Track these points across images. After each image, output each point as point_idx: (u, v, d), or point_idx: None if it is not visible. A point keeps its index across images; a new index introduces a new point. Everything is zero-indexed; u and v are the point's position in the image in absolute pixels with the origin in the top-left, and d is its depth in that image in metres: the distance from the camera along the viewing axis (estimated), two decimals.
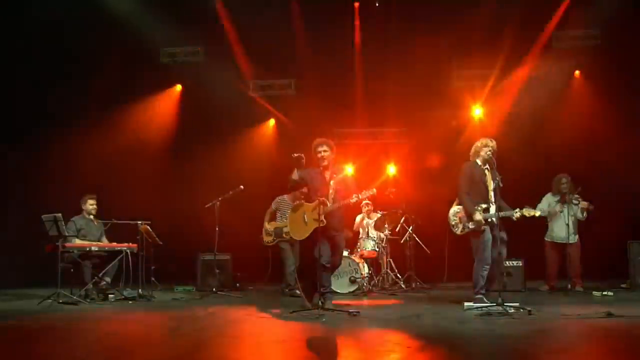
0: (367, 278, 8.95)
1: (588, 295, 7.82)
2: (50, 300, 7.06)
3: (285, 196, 8.90)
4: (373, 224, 9.52)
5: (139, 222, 8.01)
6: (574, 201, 8.32)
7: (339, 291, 8.71)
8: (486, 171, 6.84)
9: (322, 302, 6.22)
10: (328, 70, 12.07)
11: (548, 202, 8.66)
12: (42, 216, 7.25)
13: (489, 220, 6.62)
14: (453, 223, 7.03)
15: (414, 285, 9.34)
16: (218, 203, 8.62)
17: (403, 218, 9.64)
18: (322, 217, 6.37)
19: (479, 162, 6.90)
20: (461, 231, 6.93)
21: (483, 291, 6.68)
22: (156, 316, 6.47)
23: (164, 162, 11.70)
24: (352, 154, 12.25)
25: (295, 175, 6.74)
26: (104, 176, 10.55)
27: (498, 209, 6.67)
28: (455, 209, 7.03)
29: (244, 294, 8.71)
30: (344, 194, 6.62)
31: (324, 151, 6.67)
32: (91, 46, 10.88)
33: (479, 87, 11.84)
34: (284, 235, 8.62)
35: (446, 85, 11.89)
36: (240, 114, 12.13)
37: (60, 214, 7.25)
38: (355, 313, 6.04)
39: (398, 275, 9.46)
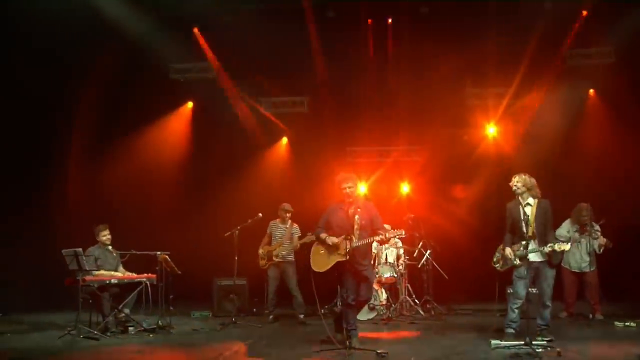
0: (385, 304, 8.93)
1: (610, 325, 7.74)
2: (70, 335, 7.02)
3: (277, 220, 9.12)
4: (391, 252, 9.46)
5: (158, 252, 7.94)
6: (594, 234, 8.26)
7: (358, 318, 8.67)
8: (527, 207, 6.75)
9: (348, 342, 6.17)
10: (341, 88, 12.08)
11: (567, 228, 8.59)
12: (63, 251, 7.18)
13: (524, 257, 6.59)
14: (495, 259, 7.15)
15: (432, 312, 9.27)
16: (237, 232, 8.56)
17: (421, 243, 9.60)
18: (348, 251, 6.33)
19: (520, 199, 6.80)
20: (501, 267, 7.02)
21: (514, 326, 6.71)
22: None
23: (179, 188, 11.70)
24: (364, 171, 12.24)
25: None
26: (118, 205, 10.53)
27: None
28: (501, 246, 7.06)
29: (262, 323, 8.62)
30: (369, 228, 6.57)
31: (349, 187, 6.60)
32: (98, 65, 10.87)
33: (494, 105, 11.79)
34: (273, 258, 8.87)
35: (460, 103, 11.85)
36: (254, 132, 12.10)
37: (80, 249, 7.21)
38: (384, 354, 5.99)
39: (416, 300, 9.42)
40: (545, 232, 6.66)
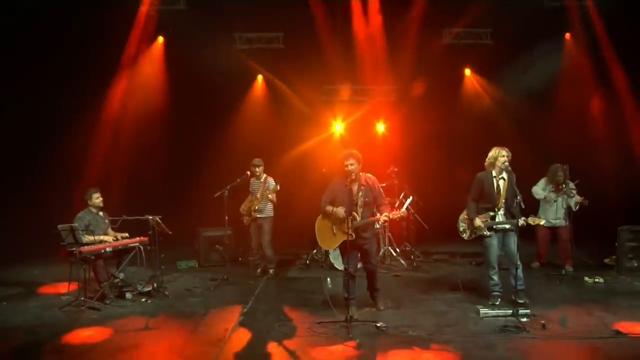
0: None
1: (580, 280, 8.37)
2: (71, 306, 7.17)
3: (253, 178, 9.13)
4: None
5: (150, 217, 7.92)
6: (570, 193, 8.66)
7: (340, 268, 9.07)
8: (501, 180, 7.09)
9: (349, 314, 6.50)
10: (317, 25, 11.68)
11: (543, 187, 8.94)
12: (59, 226, 7.10)
13: (494, 227, 7.04)
14: (461, 229, 7.44)
15: (414, 263, 9.71)
16: (227, 192, 8.57)
17: (402, 194, 9.88)
18: (351, 231, 6.54)
19: (494, 172, 7.12)
20: (468, 237, 7.35)
21: (497, 289, 7.22)
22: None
23: (157, 140, 11.42)
24: (341, 111, 12.25)
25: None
26: (98, 168, 10.28)
27: (510, 217, 7.00)
28: (464, 215, 7.38)
29: (250, 277, 8.90)
30: (372, 205, 6.76)
31: (351, 164, 6.69)
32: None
33: (470, 46, 11.76)
34: (252, 213, 9.00)
35: (437, 43, 11.73)
36: (229, 70, 11.72)
37: (76, 224, 7.19)
38: (383, 328, 6.38)
39: (397, 249, 9.88)
40: (512, 202, 7.00)
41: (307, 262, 9.86)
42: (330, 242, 6.94)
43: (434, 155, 11.95)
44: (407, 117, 12.14)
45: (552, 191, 8.80)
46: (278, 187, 8.86)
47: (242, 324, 6.71)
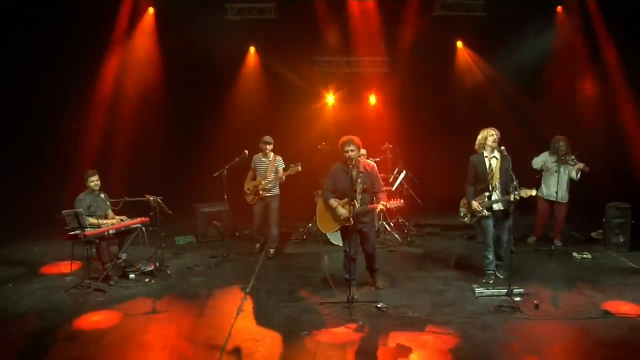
0: None
1: (568, 256, 8.72)
2: (76, 288, 7.33)
3: (260, 154, 9.15)
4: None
5: (151, 198, 8.01)
6: (571, 162, 8.83)
7: (335, 243, 9.31)
8: (494, 160, 7.28)
9: (350, 295, 6.76)
10: None
11: (544, 159, 9.12)
12: (63, 212, 7.15)
13: (491, 208, 7.29)
14: (462, 214, 7.64)
15: (409, 238, 9.92)
16: (225, 172, 8.65)
17: (397, 169, 10.05)
18: (351, 217, 6.73)
19: (485, 153, 7.31)
20: (470, 221, 7.57)
21: (491, 267, 7.53)
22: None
23: (153, 116, 11.37)
24: (331, 82, 12.28)
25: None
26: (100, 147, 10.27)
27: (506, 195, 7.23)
28: (464, 200, 7.63)
29: (249, 254, 9.12)
30: (370, 191, 6.95)
31: (351, 150, 6.81)
32: None
33: (462, 18, 11.75)
34: (260, 192, 9.04)
35: (429, 15, 11.68)
36: (219, 41, 11.59)
37: (81, 209, 7.28)
38: (384, 309, 6.65)
39: (391, 224, 10.12)
40: (507, 181, 7.20)
41: (304, 236, 10.04)
42: (330, 226, 7.12)
43: (425, 125, 12.05)
44: (399, 89, 12.18)
45: (555, 162, 8.92)
46: (299, 168, 8.80)
47: (246, 305, 6.94)
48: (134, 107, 11.33)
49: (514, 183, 6.98)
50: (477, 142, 7.47)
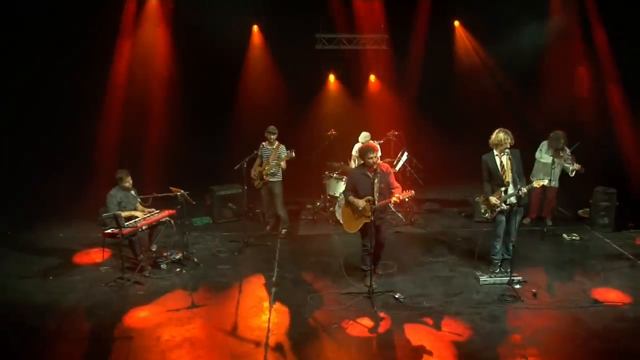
0: None
1: (558, 237, 9.64)
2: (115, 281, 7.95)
3: (265, 142, 9.80)
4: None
5: (179, 193, 8.53)
6: (568, 160, 9.56)
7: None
8: (504, 157, 7.91)
9: (370, 286, 7.54)
10: None
11: (543, 153, 9.86)
12: (103, 215, 7.66)
13: (507, 202, 7.94)
14: (482, 210, 8.28)
15: (412, 218, 10.65)
16: (245, 164, 9.19)
17: (400, 153, 10.66)
18: (371, 215, 7.45)
19: (495, 152, 7.95)
20: (490, 216, 8.18)
21: (497, 257, 8.30)
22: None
23: (166, 100, 11.68)
24: (333, 60, 12.61)
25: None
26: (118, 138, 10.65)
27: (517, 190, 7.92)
28: (482, 197, 8.23)
29: (266, 238, 9.82)
30: (386, 191, 7.65)
31: (374, 157, 7.51)
32: None
33: None
34: (264, 177, 9.71)
35: None
36: (222, 20, 11.74)
37: (120, 212, 7.79)
38: (401, 299, 7.46)
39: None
40: (519, 177, 7.88)
41: (314, 217, 10.72)
42: (353, 226, 7.81)
43: (425, 103, 12.57)
44: (400, 66, 12.59)
45: (552, 156, 9.55)
46: (293, 154, 9.46)
47: (277, 297, 7.68)
48: (145, 93, 11.61)
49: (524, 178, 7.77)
50: (491, 140, 7.95)
